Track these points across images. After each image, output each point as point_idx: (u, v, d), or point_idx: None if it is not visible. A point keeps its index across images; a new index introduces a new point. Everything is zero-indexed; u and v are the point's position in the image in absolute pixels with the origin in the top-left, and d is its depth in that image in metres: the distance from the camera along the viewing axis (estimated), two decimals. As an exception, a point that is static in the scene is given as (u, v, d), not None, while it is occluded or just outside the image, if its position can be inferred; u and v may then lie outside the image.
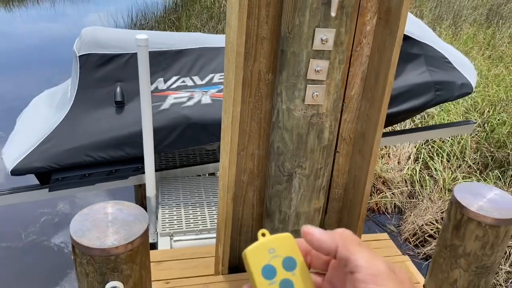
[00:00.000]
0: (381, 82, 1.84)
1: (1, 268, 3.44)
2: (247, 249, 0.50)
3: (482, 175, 4.50)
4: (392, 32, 1.74)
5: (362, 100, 1.99)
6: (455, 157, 4.71)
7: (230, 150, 1.83)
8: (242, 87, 1.80)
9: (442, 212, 4.05)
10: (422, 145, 4.88)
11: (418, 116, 5.30)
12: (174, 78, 2.97)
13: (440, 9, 9.09)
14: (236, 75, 1.69)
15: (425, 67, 3.10)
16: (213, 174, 3.49)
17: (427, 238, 3.95)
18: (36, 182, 2.88)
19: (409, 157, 4.79)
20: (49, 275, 3.41)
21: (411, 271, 2.29)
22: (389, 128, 4.54)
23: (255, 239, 0.98)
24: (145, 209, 2.86)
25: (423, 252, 3.83)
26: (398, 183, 4.52)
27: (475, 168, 4.60)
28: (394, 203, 4.39)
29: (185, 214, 2.83)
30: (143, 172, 2.77)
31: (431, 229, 3.95)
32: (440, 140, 4.87)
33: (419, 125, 5.21)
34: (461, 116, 5.25)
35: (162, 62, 2.98)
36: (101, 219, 1.54)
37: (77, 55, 2.87)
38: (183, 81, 2.97)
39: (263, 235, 0.51)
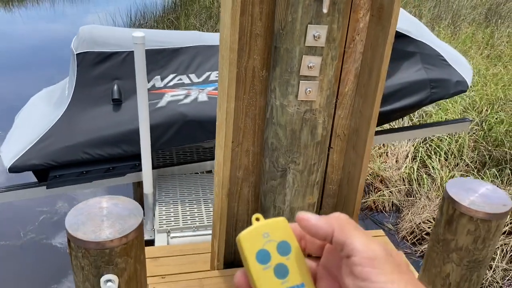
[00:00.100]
0: (374, 78, 1.86)
1: (0, 266, 3.46)
2: (241, 233, 0.49)
3: (480, 173, 4.52)
4: (384, 28, 1.76)
5: (355, 96, 2.01)
6: (452, 156, 4.73)
7: (225, 145, 1.85)
8: (237, 84, 1.82)
9: (439, 210, 4.06)
10: (420, 144, 4.89)
11: (417, 115, 5.32)
12: (171, 76, 3.00)
13: (439, 8, 9.11)
14: (230, 72, 1.71)
15: (420, 65, 3.13)
16: (210, 171, 3.51)
17: (424, 236, 3.97)
18: (34, 179, 2.91)
19: (407, 156, 4.81)
20: (48, 274, 3.43)
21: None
22: (386, 126, 4.56)
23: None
24: (143, 206, 2.88)
25: (420, 250, 3.84)
26: (396, 181, 4.54)
27: (473, 166, 4.62)
28: (392, 202, 4.40)
29: (182, 211, 2.85)
30: (141, 170, 2.79)
31: (429, 227, 3.97)
32: (438, 139, 4.89)
33: (417, 124, 5.23)
34: (459, 115, 5.27)
35: (159, 60, 3.01)
36: (96, 213, 1.56)
37: (75, 53, 2.89)
38: (180, 79, 2.99)
39: (257, 219, 0.50)
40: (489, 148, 4.81)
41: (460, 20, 8.65)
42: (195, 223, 2.74)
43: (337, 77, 1.95)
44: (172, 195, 2.98)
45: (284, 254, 0.49)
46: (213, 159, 3.27)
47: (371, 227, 4.13)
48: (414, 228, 4.03)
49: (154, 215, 2.89)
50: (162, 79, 2.97)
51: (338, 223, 0.46)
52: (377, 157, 4.83)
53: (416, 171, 4.56)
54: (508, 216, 3.85)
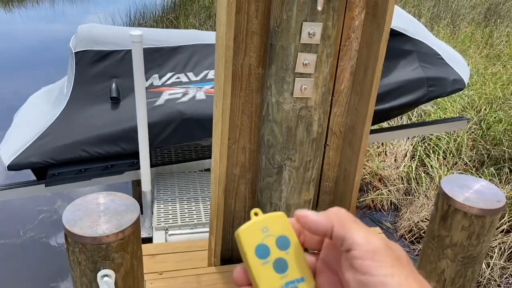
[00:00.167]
0: (369, 76, 1.88)
1: (0, 265, 3.47)
2: (239, 228, 0.48)
3: (478, 172, 4.53)
4: (379, 26, 1.77)
5: (351, 94, 2.02)
6: (451, 155, 4.74)
7: (221, 142, 1.86)
8: (233, 82, 1.83)
9: (437, 209, 4.07)
10: (418, 143, 4.91)
11: (415, 114, 5.33)
12: (169, 74, 3.01)
13: (439, 8, 9.13)
14: (225, 69, 1.72)
15: (417, 63, 3.14)
16: (208, 170, 3.52)
17: (422, 234, 3.98)
18: (33, 178, 2.92)
19: (406, 155, 4.82)
20: (48, 272, 3.44)
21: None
22: (385, 125, 4.57)
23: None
24: (141, 204, 2.90)
25: (418, 248, 3.85)
26: (394, 180, 4.55)
27: (471, 165, 4.63)
28: (390, 200, 4.41)
29: (180, 209, 2.86)
30: (139, 168, 2.81)
31: (427, 226, 3.98)
32: (436, 138, 4.90)
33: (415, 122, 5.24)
34: (457, 114, 5.28)
35: (157, 58, 3.02)
36: (93, 209, 1.57)
37: (73, 51, 2.91)
38: (178, 77, 3.00)
39: (256, 214, 0.50)
40: (488, 147, 4.82)
41: (460, 20, 8.67)
42: (193, 221, 2.75)
43: (332, 75, 1.96)
44: (171, 193, 3.00)
45: (283, 248, 0.48)
46: (211, 157, 3.28)
47: (368, 225, 4.13)
48: (413, 227, 4.04)
49: (152, 212, 2.91)
50: (160, 78, 2.99)
51: (337, 218, 0.46)
52: (376, 156, 4.85)
53: (415, 170, 4.57)
54: (506, 214, 3.87)
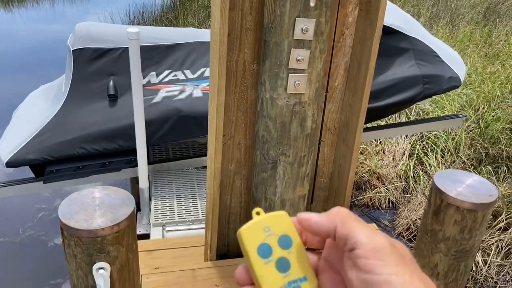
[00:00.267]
0: (363, 72, 1.89)
1: (-1, 263, 3.49)
2: (241, 228, 0.48)
3: (476, 170, 4.54)
4: (372, 22, 1.79)
5: (345, 90, 2.04)
6: (449, 153, 4.75)
7: (216, 138, 1.88)
8: (228, 78, 1.85)
9: (434, 206, 4.08)
10: (416, 141, 4.92)
11: (413, 113, 5.35)
12: (166, 72, 3.03)
13: (438, 7, 9.14)
14: (220, 65, 1.74)
15: (413, 60, 3.16)
16: (205, 167, 3.54)
17: (420, 232, 3.99)
18: (32, 175, 2.94)
19: (404, 153, 4.84)
20: (47, 270, 3.45)
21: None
22: (381, 123, 4.59)
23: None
24: (139, 200, 2.92)
25: (416, 245, 3.87)
26: (392, 178, 4.57)
27: (469, 163, 4.64)
28: (389, 199, 4.43)
29: (177, 205, 2.88)
30: (136, 165, 2.83)
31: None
32: (434, 136, 4.91)
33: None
34: (456, 113, 5.30)
35: (155, 56, 3.04)
36: (89, 203, 1.59)
37: (71, 49, 2.93)
38: (175, 75, 3.02)
39: (258, 213, 0.50)
40: (486, 145, 4.83)
41: (459, 19, 8.68)
42: (190, 217, 2.77)
43: (326, 71, 1.98)
44: (168, 190, 3.02)
45: (286, 248, 0.48)
46: (208, 154, 3.31)
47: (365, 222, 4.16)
48: (410, 225, 4.06)
49: (150, 209, 2.93)
50: (157, 75, 3.01)
51: (340, 218, 0.46)
52: (374, 154, 4.86)
53: (413, 168, 4.58)
54: (504, 212, 3.88)
